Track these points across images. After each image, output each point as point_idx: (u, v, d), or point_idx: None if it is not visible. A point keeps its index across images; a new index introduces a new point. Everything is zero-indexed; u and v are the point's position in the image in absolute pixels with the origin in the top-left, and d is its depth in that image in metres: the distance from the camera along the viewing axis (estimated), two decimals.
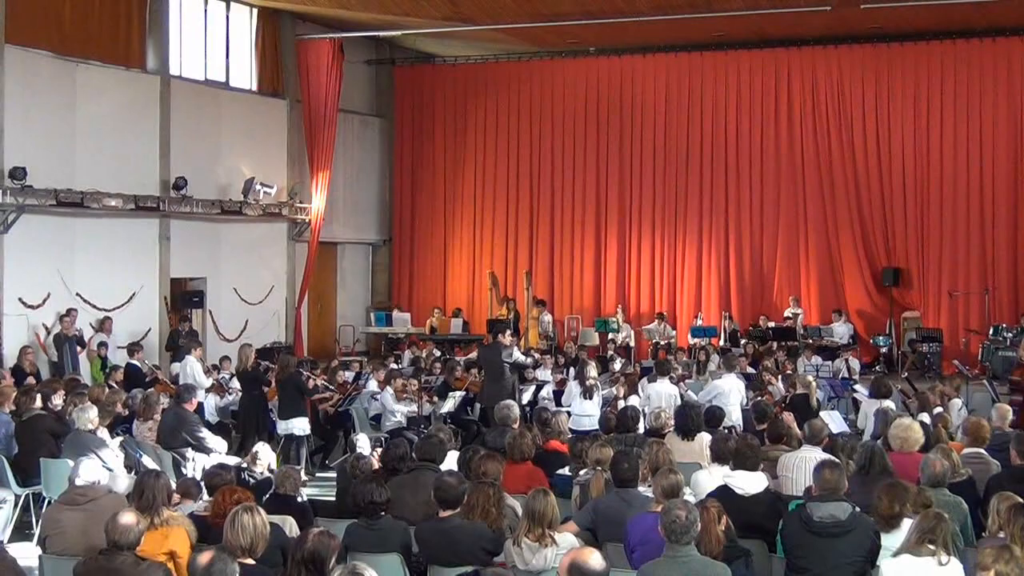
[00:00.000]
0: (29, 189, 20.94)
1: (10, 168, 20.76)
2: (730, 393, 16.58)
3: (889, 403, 15.15)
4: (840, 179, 27.67)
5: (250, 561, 7.28)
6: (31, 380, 18.21)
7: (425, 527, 8.67)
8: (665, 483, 8.55)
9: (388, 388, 18.48)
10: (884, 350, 26.16)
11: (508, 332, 18.80)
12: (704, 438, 12.58)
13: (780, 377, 19.55)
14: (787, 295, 27.79)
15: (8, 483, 12.96)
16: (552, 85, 30.57)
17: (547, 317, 28.70)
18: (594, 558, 6.34)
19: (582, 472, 10.64)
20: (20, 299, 21.45)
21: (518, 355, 18.32)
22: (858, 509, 8.25)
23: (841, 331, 26.17)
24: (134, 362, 20.35)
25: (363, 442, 12.84)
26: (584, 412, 16.86)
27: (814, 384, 17.20)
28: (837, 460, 9.74)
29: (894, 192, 27.33)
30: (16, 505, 12.83)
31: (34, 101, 21.66)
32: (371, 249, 32.64)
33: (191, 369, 18.16)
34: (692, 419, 12.86)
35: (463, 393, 19.19)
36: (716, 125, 28.95)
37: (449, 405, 18.52)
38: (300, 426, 16.74)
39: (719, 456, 10.31)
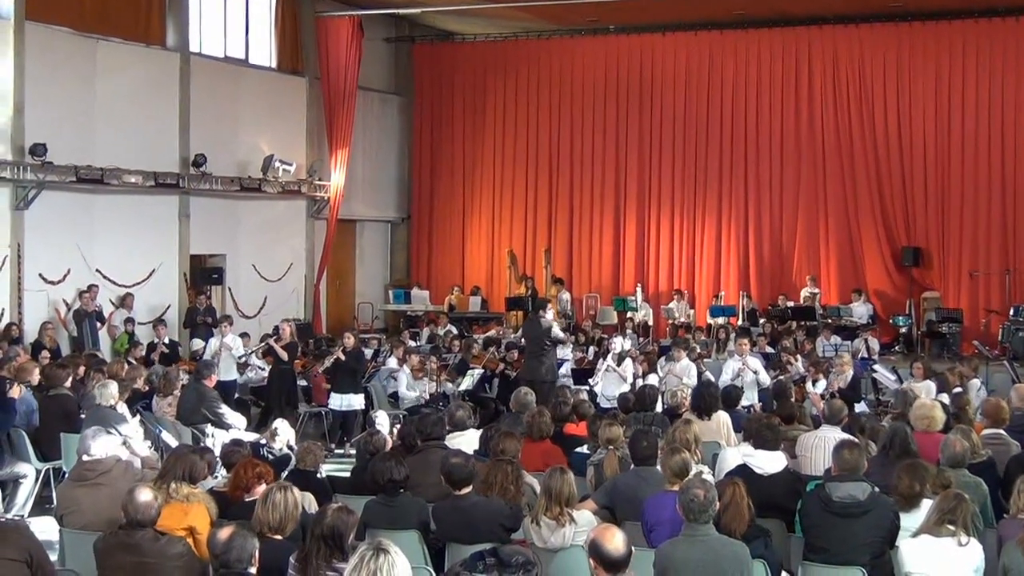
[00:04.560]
0: (49, 166, 20.96)
1: (30, 145, 20.77)
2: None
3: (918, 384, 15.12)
4: (860, 158, 27.53)
5: (278, 537, 7.34)
6: (45, 354, 18.25)
7: (442, 505, 8.67)
8: (672, 463, 8.54)
9: (406, 367, 18.52)
10: (904, 330, 26.05)
11: (549, 307, 18.89)
12: (722, 417, 12.58)
13: (799, 356, 19.53)
14: (806, 275, 27.69)
15: (29, 458, 13.01)
16: (571, 63, 30.47)
17: (565, 295, 28.65)
18: (615, 540, 6.33)
19: (596, 453, 10.63)
20: (40, 275, 21.49)
21: (557, 331, 18.38)
22: (877, 489, 8.22)
23: (860, 311, 26.06)
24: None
25: (382, 419, 12.86)
26: (609, 391, 16.94)
27: (851, 372, 17.05)
28: (856, 440, 9.73)
29: (915, 171, 27.17)
30: (36, 480, 12.89)
31: (54, 78, 21.66)
32: (390, 227, 32.65)
33: (234, 344, 18.28)
34: (708, 398, 12.83)
35: (481, 371, 19.22)
36: (736, 104, 28.82)
37: (467, 383, 18.56)
38: (358, 402, 17.16)
39: (749, 435, 10.30)
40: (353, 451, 15.44)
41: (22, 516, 12.19)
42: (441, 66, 31.88)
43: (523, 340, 19.76)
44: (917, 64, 27.10)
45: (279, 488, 7.57)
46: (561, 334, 19.17)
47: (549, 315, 18.24)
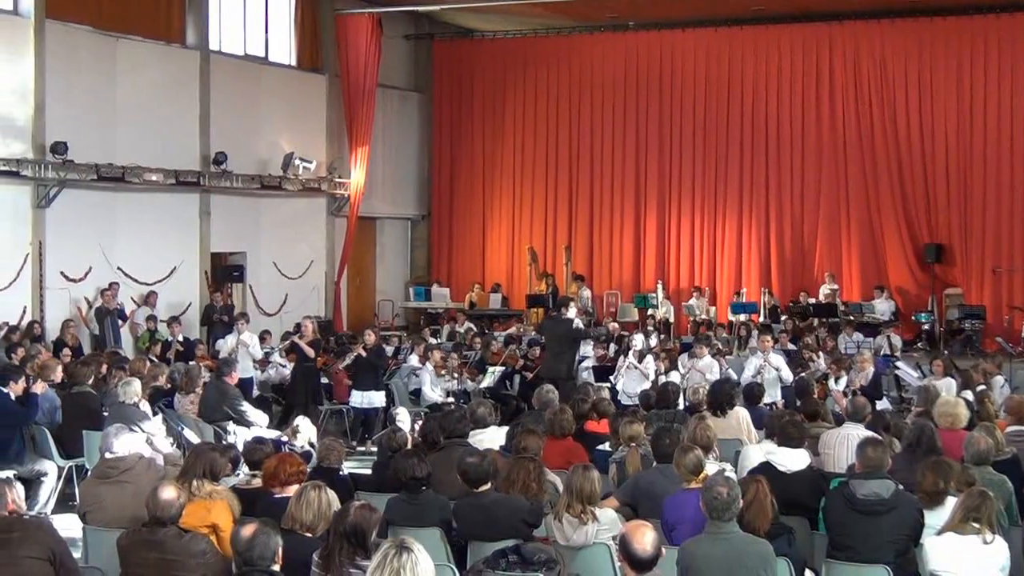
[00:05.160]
0: (70, 164, 21.05)
1: (51, 143, 20.87)
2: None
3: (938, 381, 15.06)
4: (882, 154, 27.41)
5: (308, 535, 7.39)
6: (67, 352, 18.33)
7: (463, 503, 8.66)
8: (686, 461, 8.53)
9: (428, 364, 18.52)
10: (926, 327, 25.95)
11: (572, 304, 18.86)
12: (740, 413, 12.55)
13: (822, 353, 19.48)
14: (827, 271, 27.59)
15: (51, 455, 13.06)
16: (591, 60, 30.43)
17: (586, 292, 28.61)
18: (644, 539, 6.32)
19: (617, 450, 10.61)
20: (62, 273, 21.59)
21: (579, 323, 18.33)
22: (901, 487, 8.20)
23: (883, 308, 25.96)
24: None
25: (403, 416, 12.86)
26: (631, 388, 16.91)
27: (871, 369, 16.98)
28: (880, 437, 9.70)
29: (937, 168, 27.03)
30: (59, 477, 12.93)
31: (75, 76, 21.74)
32: (410, 224, 32.65)
33: (251, 341, 18.31)
34: (724, 395, 12.79)
35: (502, 368, 19.20)
36: (756, 100, 28.74)
37: (488, 380, 18.55)
38: (379, 399, 17.24)
39: (772, 432, 10.27)
40: (374, 448, 15.47)
41: (45, 513, 12.22)
42: (461, 63, 31.89)
43: (543, 338, 19.67)
44: (939, 59, 26.97)
45: (314, 487, 7.60)
46: (583, 328, 19.13)
47: (572, 312, 18.17)
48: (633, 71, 29.95)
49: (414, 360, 19.28)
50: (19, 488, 7.75)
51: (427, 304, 29.71)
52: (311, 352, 17.93)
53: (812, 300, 26.62)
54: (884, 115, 27.40)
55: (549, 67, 30.85)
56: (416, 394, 18.62)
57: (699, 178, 29.28)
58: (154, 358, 18.58)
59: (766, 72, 28.62)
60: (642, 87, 29.82)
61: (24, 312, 20.87)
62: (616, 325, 22.20)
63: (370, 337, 17.70)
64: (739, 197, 28.92)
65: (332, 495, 7.67)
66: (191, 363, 17.77)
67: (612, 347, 21.34)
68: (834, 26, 27.86)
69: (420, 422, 12.37)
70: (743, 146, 28.85)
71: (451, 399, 18.04)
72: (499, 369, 19.05)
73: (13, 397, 12.66)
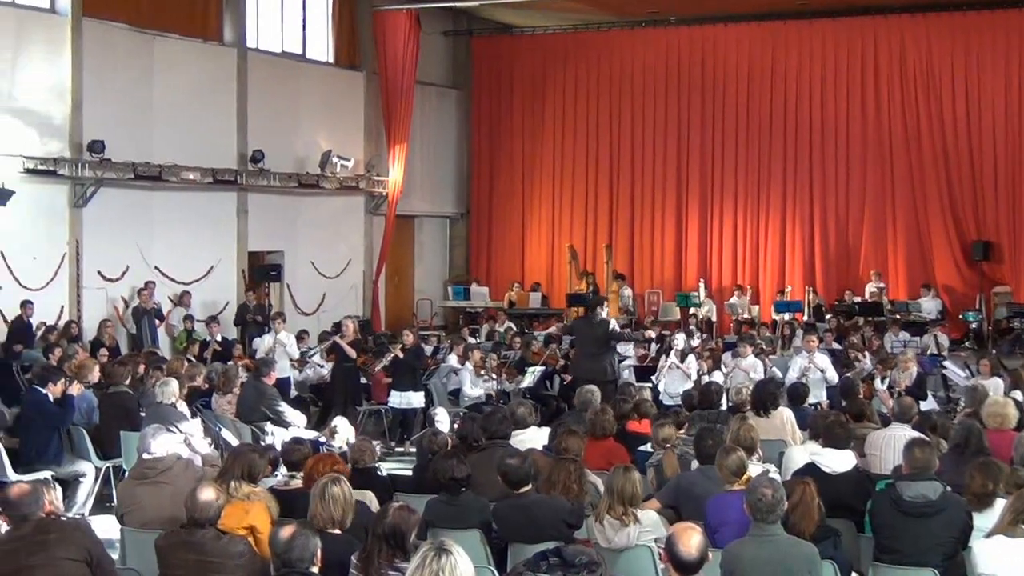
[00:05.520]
0: (107, 163, 21.18)
1: (88, 141, 21.01)
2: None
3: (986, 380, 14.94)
4: (928, 150, 27.25)
5: (337, 531, 7.39)
6: (104, 352, 18.44)
7: (503, 504, 8.65)
8: (728, 462, 8.48)
9: (467, 364, 18.52)
10: (974, 326, 25.77)
11: (605, 304, 18.81)
12: (784, 414, 12.48)
13: (868, 353, 19.36)
14: (873, 269, 27.44)
15: (89, 456, 13.13)
16: (632, 56, 30.38)
17: (627, 291, 28.60)
18: (690, 542, 6.28)
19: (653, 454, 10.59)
20: (99, 272, 21.74)
21: (613, 323, 18.25)
22: (949, 488, 8.14)
23: (929, 306, 25.81)
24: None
25: (442, 417, 12.85)
26: (673, 388, 16.86)
27: (915, 368, 16.88)
28: (927, 438, 9.63)
29: (984, 163, 26.84)
30: (96, 478, 12.99)
31: (112, 74, 21.87)
32: (449, 222, 32.69)
33: (288, 341, 18.32)
34: (768, 395, 12.73)
35: (542, 368, 19.18)
36: (800, 96, 28.62)
37: (528, 380, 18.53)
38: (418, 400, 17.27)
39: (816, 433, 10.21)
40: (413, 449, 15.47)
41: (82, 515, 12.28)
42: (500, 59, 31.92)
43: (574, 339, 19.52)
44: (986, 53, 26.77)
45: (332, 481, 7.61)
46: (619, 329, 19.03)
47: (604, 312, 18.11)
48: (674, 67, 29.88)
49: (453, 360, 19.26)
50: (57, 489, 7.80)
51: (466, 303, 29.73)
52: (352, 352, 17.91)
53: (857, 299, 26.51)
54: (931, 110, 27.23)
55: (589, 63, 30.83)
56: (455, 394, 18.63)
57: (742, 175, 29.20)
58: (192, 358, 18.65)
59: (810, 67, 28.49)
60: (684, 83, 29.75)
61: (61, 312, 21.03)
62: (652, 334, 22.00)
63: (408, 337, 17.71)
64: (783, 194, 28.81)
65: (348, 484, 7.71)
66: (229, 363, 17.82)
67: (653, 347, 21.29)
68: (879, 20, 27.70)
69: (458, 423, 12.35)
70: (787, 142, 28.75)
71: (486, 398, 18.03)
72: (539, 369, 19.02)
73: (51, 398, 12.73)
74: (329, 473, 8.08)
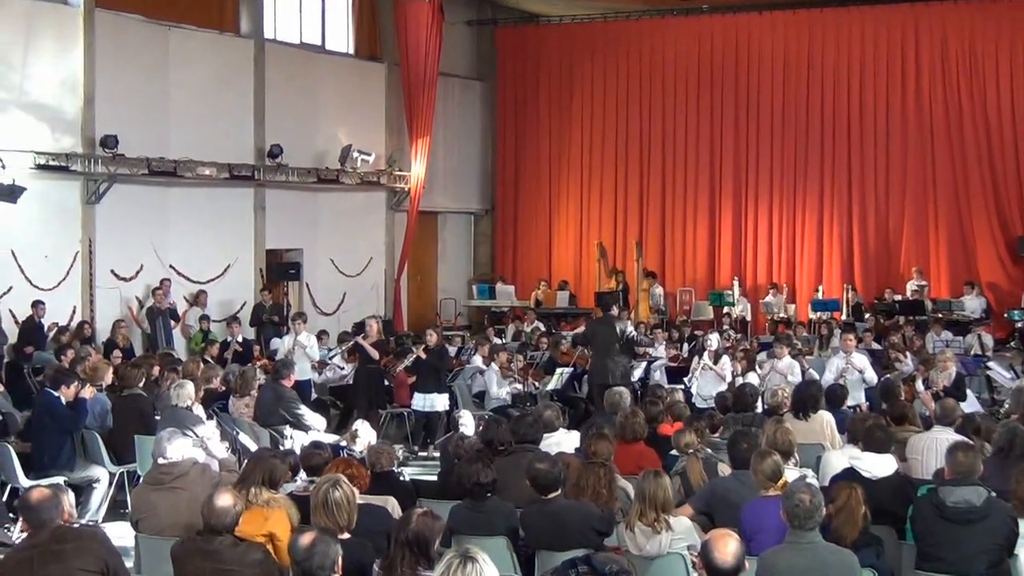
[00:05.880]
0: (121, 158, 21.25)
1: (101, 136, 21.08)
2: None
3: None
4: (972, 142, 27.14)
5: (346, 536, 7.40)
6: (118, 354, 18.49)
7: (530, 510, 8.64)
8: (763, 467, 8.46)
9: (493, 365, 18.51)
10: (1020, 325, 25.63)
11: (618, 305, 18.79)
12: (824, 417, 12.45)
13: (909, 353, 19.29)
14: (913, 266, 27.34)
15: (102, 461, 13.17)
16: (663, 45, 30.33)
17: (658, 290, 28.57)
18: (726, 549, 6.27)
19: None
20: (112, 271, 21.82)
21: (631, 329, 18.25)
22: (994, 494, 8.10)
23: (973, 304, 25.71)
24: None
25: (467, 420, 12.83)
26: (706, 390, 16.82)
27: (954, 368, 16.81)
28: (971, 441, 9.58)
29: None
30: (110, 484, 13.04)
31: (125, 67, 21.94)
32: (473, 219, 32.72)
33: (308, 342, 18.33)
34: (809, 397, 12.70)
35: (571, 369, 19.16)
36: (838, 86, 28.52)
37: (555, 382, 18.52)
38: (442, 402, 17.28)
39: (854, 437, 10.18)
40: (437, 454, 15.47)
41: (95, 521, 12.33)
42: (525, 50, 31.90)
43: (591, 339, 19.47)
44: None
45: (332, 486, 7.61)
46: (634, 332, 18.98)
47: (617, 311, 18.14)
48: (707, 57, 29.82)
49: (478, 361, 19.27)
50: (70, 495, 7.83)
51: (491, 302, 29.76)
52: (375, 354, 17.89)
53: (898, 297, 26.42)
54: (974, 101, 27.13)
55: (618, 53, 30.79)
56: (480, 396, 18.63)
57: (777, 169, 29.12)
58: (210, 359, 18.69)
59: (848, 56, 28.38)
60: (716, 73, 29.69)
61: (74, 312, 21.13)
62: (658, 348, 21.87)
63: (431, 338, 17.71)
64: (820, 188, 28.73)
65: (348, 483, 7.74)
66: (247, 365, 17.86)
67: (685, 347, 21.28)
68: (920, 7, 27.60)
69: (482, 426, 12.32)
70: (824, 135, 28.66)
71: (512, 400, 18.03)
72: (567, 370, 19.00)
73: (64, 402, 12.77)
74: (325, 476, 8.09)
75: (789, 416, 12.42)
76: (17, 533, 11.82)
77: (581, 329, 21.43)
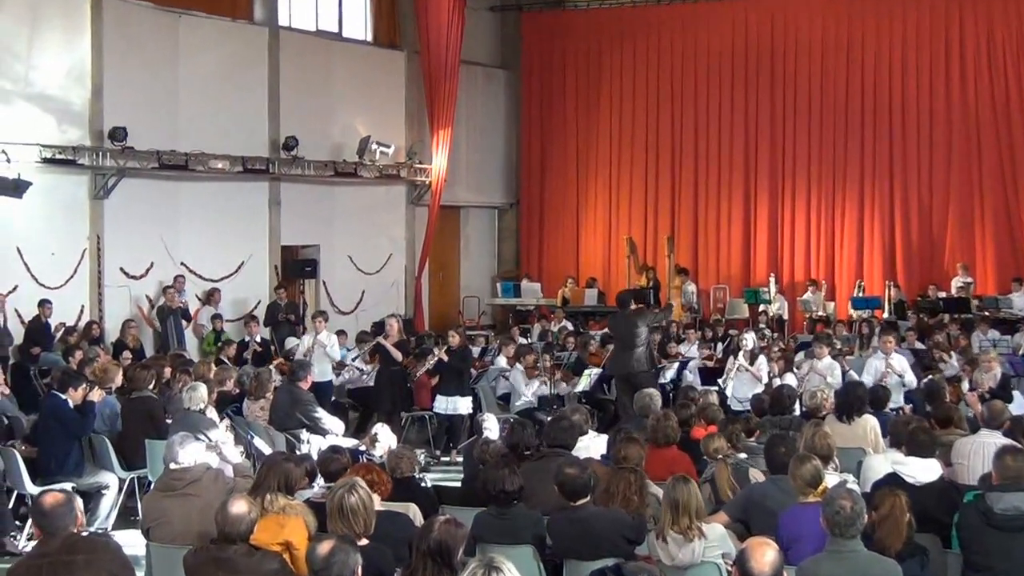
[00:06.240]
0: (130, 151, 21.32)
1: (110, 128, 21.15)
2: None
3: None
4: (1020, 131, 27.01)
5: (364, 542, 7.41)
6: (127, 355, 18.53)
7: (557, 518, 8.64)
8: (802, 472, 8.43)
9: (518, 365, 18.51)
10: None
11: (647, 302, 18.81)
12: (870, 422, 12.41)
13: (953, 353, 19.21)
14: (958, 262, 27.23)
15: (112, 466, 13.20)
16: (695, 31, 30.26)
17: (691, 287, 28.54)
18: (763, 559, 6.25)
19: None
20: (122, 269, 21.89)
21: (648, 316, 18.23)
22: None
23: (1021, 302, 25.58)
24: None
25: (491, 424, 12.82)
26: (742, 392, 16.78)
27: (999, 369, 16.73)
28: (1019, 445, 9.55)
29: None
30: (120, 490, 13.07)
31: (134, 56, 22.00)
32: (497, 213, 32.73)
33: (329, 342, 18.33)
34: (855, 400, 12.66)
35: (599, 370, 19.14)
36: (879, 73, 28.38)
37: (584, 383, 18.51)
38: (465, 406, 17.31)
39: (897, 440, 10.15)
40: (460, 459, 15.47)
41: (105, 529, 12.37)
42: (552, 36, 31.85)
43: (612, 336, 19.47)
44: None
45: (347, 490, 7.62)
46: (659, 317, 19.28)
47: (634, 306, 18.20)
48: (741, 42, 29.71)
49: (502, 362, 19.27)
50: (78, 502, 7.84)
51: (516, 301, 29.75)
52: (399, 356, 17.87)
53: (942, 294, 26.30)
54: (1021, 88, 26.98)
55: (649, 40, 30.73)
56: (505, 399, 18.63)
57: (815, 160, 29.02)
58: (226, 360, 18.72)
59: (889, 43, 28.24)
60: (751, 60, 29.59)
61: (82, 312, 21.21)
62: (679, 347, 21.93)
63: (453, 339, 17.72)
64: (860, 180, 28.60)
65: (365, 486, 7.75)
66: (264, 366, 17.91)
67: (719, 347, 21.24)
68: None
69: (507, 430, 12.32)
70: (864, 125, 28.54)
71: (539, 403, 18.03)
72: (596, 371, 18.98)
73: (71, 405, 12.81)
74: (341, 481, 8.09)
75: (831, 419, 12.40)
76: (24, 541, 11.89)
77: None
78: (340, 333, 20.69)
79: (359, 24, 27.76)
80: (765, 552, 6.29)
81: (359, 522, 7.50)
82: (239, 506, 7.44)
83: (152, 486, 10.43)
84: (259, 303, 24.15)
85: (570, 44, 31.69)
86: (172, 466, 9.18)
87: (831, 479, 8.88)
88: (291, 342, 20.64)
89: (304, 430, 14.29)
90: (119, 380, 14.49)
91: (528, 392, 18.08)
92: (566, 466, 8.85)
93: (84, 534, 7.73)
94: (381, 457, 11.66)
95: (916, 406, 15.48)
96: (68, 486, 11.60)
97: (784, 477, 8.86)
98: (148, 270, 22.29)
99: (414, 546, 6.91)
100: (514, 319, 28.61)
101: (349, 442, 13.64)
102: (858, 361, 19.34)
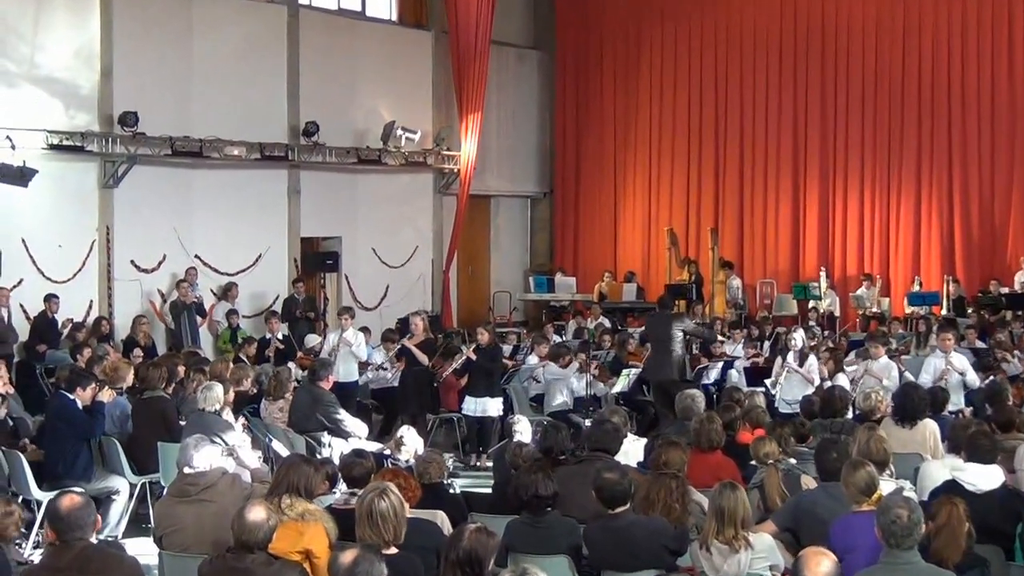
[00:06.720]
0: (141, 137, 21.39)
1: (120, 113, 21.22)
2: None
3: None
4: None
5: (394, 550, 7.42)
6: (138, 353, 18.56)
7: (594, 526, 8.63)
8: (856, 479, 8.40)
9: (551, 364, 18.48)
10: None
11: (688, 300, 18.79)
12: (929, 425, 12.36)
13: (1017, 353, 19.14)
14: (1022, 256, 27.10)
15: (122, 470, 13.23)
16: (741, 9, 30.16)
17: (735, 282, 28.46)
18: (818, 569, 6.25)
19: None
20: (132, 262, 21.97)
21: (690, 324, 18.23)
22: None
23: None
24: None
25: (523, 427, 12.79)
26: (791, 395, 16.71)
27: None
28: None
29: None
30: (131, 495, 13.11)
31: (146, 36, 22.07)
32: (530, 203, 32.74)
33: (355, 340, 18.31)
34: (916, 402, 12.61)
35: (638, 370, 19.11)
36: (937, 55, 28.21)
37: (622, 384, 18.48)
38: (495, 407, 17.29)
39: (956, 446, 10.10)
40: (490, 463, 15.47)
41: (115, 537, 12.41)
42: (587, 15, 31.83)
43: (648, 337, 19.45)
44: None
45: (378, 495, 7.61)
46: (694, 326, 19.17)
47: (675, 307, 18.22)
48: (791, 23, 29.61)
49: (533, 360, 19.26)
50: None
51: (549, 296, 29.75)
52: (424, 359, 17.88)
53: (1005, 289, 26.17)
54: None
55: (691, 19, 30.67)
56: (538, 400, 18.61)
57: (869, 148, 28.87)
58: (245, 358, 18.75)
59: (948, 20, 28.07)
60: (800, 41, 29.46)
61: (90, 307, 21.31)
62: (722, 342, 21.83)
63: (483, 336, 17.70)
64: (917, 169, 28.45)
65: (396, 491, 7.75)
66: (284, 365, 17.94)
67: (766, 345, 21.19)
68: None
69: (539, 433, 12.30)
70: (921, 111, 28.36)
71: (574, 404, 18.01)
72: (635, 371, 18.94)
73: (80, 405, 12.84)
74: (371, 485, 8.09)
75: (888, 423, 12.36)
76: (30, 549, 11.94)
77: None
78: (364, 330, 20.72)
79: (383, 2, 27.80)
80: (821, 562, 6.28)
81: (389, 529, 7.50)
82: (257, 513, 7.45)
83: (165, 491, 10.45)
84: (277, 298, 24.20)
85: (608, 23, 31.66)
86: (186, 470, 9.20)
87: (886, 486, 8.85)
88: (312, 340, 20.64)
89: (325, 432, 14.31)
90: (130, 379, 14.54)
91: (579, 385, 18.02)
92: (605, 471, 8.84)
93: (98, 543, 7.75)
94: (407, 462, 11.67)
95: (976, 409, 15.42)
96: (76, 491, 11.68)
97: (836, 484, 8.83)
98: (160, 263, 22.36)
99: (443, 556, 6.93)
100: (547, 316, 28.56)
101: (373, 446, 13.65)
102: (914, 361, 19.27)
